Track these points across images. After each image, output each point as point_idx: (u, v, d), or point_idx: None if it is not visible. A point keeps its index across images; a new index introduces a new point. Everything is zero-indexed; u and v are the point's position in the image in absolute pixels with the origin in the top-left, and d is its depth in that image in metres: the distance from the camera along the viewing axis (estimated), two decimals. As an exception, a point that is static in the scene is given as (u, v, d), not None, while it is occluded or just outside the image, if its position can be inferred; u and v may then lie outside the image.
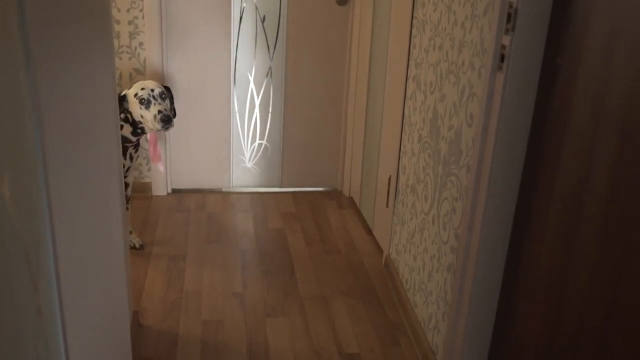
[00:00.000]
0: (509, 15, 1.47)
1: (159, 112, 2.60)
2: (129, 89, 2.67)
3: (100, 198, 1.44)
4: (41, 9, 0.96)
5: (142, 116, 2.63)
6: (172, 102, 2.79)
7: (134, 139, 2.69)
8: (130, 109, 2.63)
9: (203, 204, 3.38)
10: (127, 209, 2.80)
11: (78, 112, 1.23)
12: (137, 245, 2.82)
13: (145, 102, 2.61)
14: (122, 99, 2.62)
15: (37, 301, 1.04)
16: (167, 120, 2.61)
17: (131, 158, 2.76)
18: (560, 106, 1.42)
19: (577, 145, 1.36)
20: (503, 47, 1.51)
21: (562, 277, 1.41)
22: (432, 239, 2.10)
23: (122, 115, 2.63)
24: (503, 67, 1.51)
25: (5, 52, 0.87)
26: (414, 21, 2.35)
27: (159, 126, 2.61)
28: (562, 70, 1.41)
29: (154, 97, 2.62)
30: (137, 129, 2.67)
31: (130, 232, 2.83)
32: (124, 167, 2.74)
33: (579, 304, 1.35)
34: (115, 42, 3.17)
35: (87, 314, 1.29)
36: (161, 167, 2.90)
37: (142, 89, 2.63)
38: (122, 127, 2.64)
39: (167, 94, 2.71)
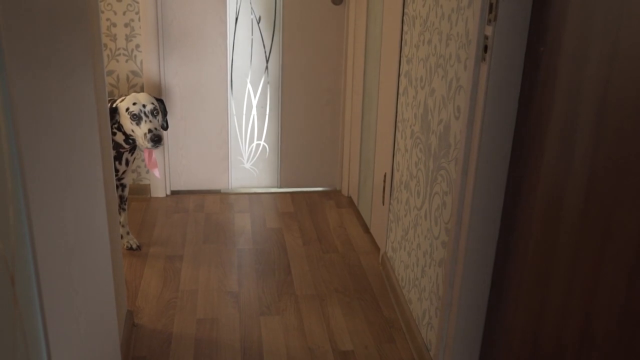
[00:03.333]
0: (491, 5, 1.47)
1: (149, 130, 2.57)
2: (122, 100, 2.65)
3: (83, 197, 1.44)
4: (14, 18, 0.97)
5: (132, 131, 2.62)
6: (164, 115, 2.76)
7: (127, 146, 2.69)
8: (121, 122, 2.61)
9: (201, 204, 3.39)
10: (124, 210, 2.82)
11: (56, 115, 1.23)
12: (134, 246, 2.83)
13: (136, 118, 2.59)
14: (114, 111, 2.61)
15: (13, 293, 1.04)
16: (157, 140, 2.57)
17: (127, 162, 2.76)
18: (544, 94, 1.42)
19: (560, 133, 1.35)
20: (486, 37, 1.51)
21: (548, 267, 1.40)
22: (425, 234, 2.09)
23: (115, 125, 2.62)
24: (486, 58, 1.50)
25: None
26: (405, 17, 2.35)
27: (148, 145, 2.58)
28: (545, 59, 1.41)
29: (145, 113, 2.60)
30: (129, 139, 2.66)
31: (128, 233, 2.83)
32: (119, 171, 2.74)
33: (563, 292, 1.34)
34: (112, 45, 3.19)
35: (71, 311, 1.29)
36: (157, 174, 2.90)
37: (134, 103, 2.60)
38: (115, 134, 2.63)
39: (159, 109, 2.68)
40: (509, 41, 1.46)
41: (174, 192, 3.52)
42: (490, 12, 1.47)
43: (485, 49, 1.51)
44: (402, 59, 2.41)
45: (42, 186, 1.11)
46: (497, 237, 1.67)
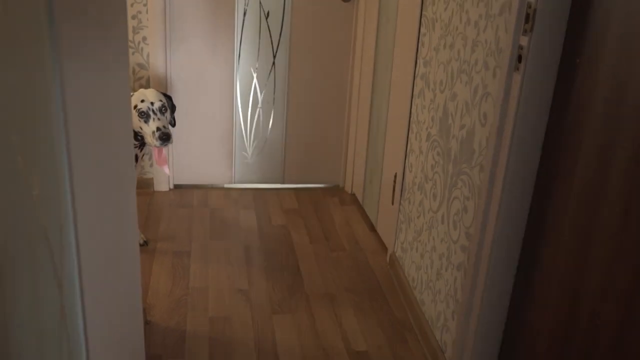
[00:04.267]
0: (527, 15, 1.47)
1: (158, 129, 2.54)
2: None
3: (118, 195, 1.43)
4: (67, 6, 0.95)
5: (141, 128, 2.59)
6: (172, 112, 2.74)
7: (136, 142, 2.66)
8: None
9: (205, 199, 3.37)
10: (130, 204, 2.79)
11: (98, 110, 1.23)
12: (141, 242, 2.81)
13: (144, 116, 2.56)
14: None
15: (60, 301, 1.03)
16: (165, 138, 2.54)
17: (136, 159, 2.74)
18: (578, 106, 1.43)
19: (595, 145, 1.36)
20: (520, 47, 1.51)
21: (578, 277, 1.42)
22: (442, 237, 2.10)
23: None
24: (520, 68, 1.51)
25: (36, 50, 0.86)
26: (423, 19, 2.35)
27: (157, 143, 2.55)
28: (581, 71, 1.42)
29: (153, 111, 2.56)
30: (138, 135, 2.63)
31: (134, 228, 2.81)
32: (128, 166, 2.72)
33: (594, 304, 1.36)
34: (119, 37, 3.15)
35: (105, 312, 1.28)
36: (167, 171, 2.86)
37: (142, 101, 2.56)
38: None
39: (167, 105, 2.65)
40: (545, 52, 1.47)
41: (177, 186, 3.50)
42: (526, 22, 1.48)
43: (519, 58, 1.52)
44: (418, 60, 2.41)
45: (88, 192, 1.11)
46: (521, 245, 1.69)
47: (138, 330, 1.71)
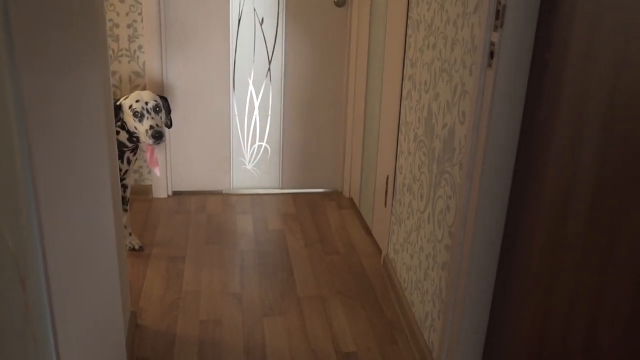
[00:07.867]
0: (498, 12, 1.48)
1: (151, 127, 2.63)
2: (125, 98, 2.69)
3: (91, 198, 1.45)
4: (26, 12, 0.97)
5: (135, 128, 2.67)
6: (168, 113, 2.81)
7: (130, 144, 2.72)
8: (125, 120, 2.67)
9: (203, 205, 3.39)
10: (126, 210, 2.82)
11: (66, 114, 1.24)
12: (137, 247, 2.83)
13: (138, 115, 2.65)
14: (118, 109, 2.65)
15: (24, 298, 1.04)
16: (157, 136, 2.63)
17: (129, 162, 2.78)
18: (550, 101, 1.43)
19: (566, 139, 1.36)
20: (492, 43, 1.52)
21: (553, 272, 1.41)
22: (428, 237, 2.10)
23: (119, 123, 2.66)
24: (493, 64, 1.51)
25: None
26: (409, 21, 2.36)
27: (150, 141, 2.64)
28: (550, 66, 1.42)
29: (147, 110, 2.65)
30: (133, 137, 2.70)
31: (130, 234, 2.84)
32: (121, 170, 2.75)
33: (568, 299, 1.35)
34: (115, 46, 3.19)
35: (79, 314, 1.30)
36: (158, 172, 2.92)
37: (137, 101, 2.66)
38: (118, 132, 2.66)
39: (162, 106, 2.72)
40: (515, 48, 1.47)
41: (175, 193, 3.53)
42: (497, 18, 1.48)
43: (492, 55, 1.52)
44: (405, 62, 2.42)
45: (52, 191, 1.12)
46: (500, 242, 1.68)
47: (119, 332, 1.72)
